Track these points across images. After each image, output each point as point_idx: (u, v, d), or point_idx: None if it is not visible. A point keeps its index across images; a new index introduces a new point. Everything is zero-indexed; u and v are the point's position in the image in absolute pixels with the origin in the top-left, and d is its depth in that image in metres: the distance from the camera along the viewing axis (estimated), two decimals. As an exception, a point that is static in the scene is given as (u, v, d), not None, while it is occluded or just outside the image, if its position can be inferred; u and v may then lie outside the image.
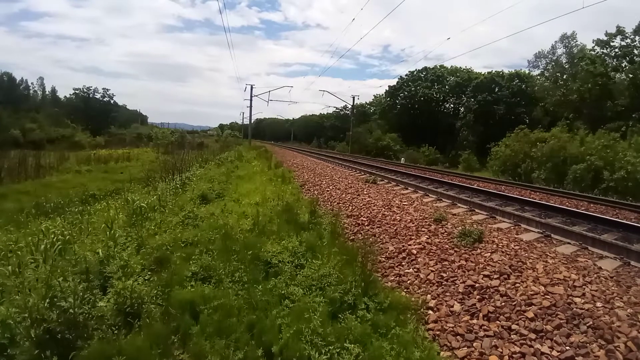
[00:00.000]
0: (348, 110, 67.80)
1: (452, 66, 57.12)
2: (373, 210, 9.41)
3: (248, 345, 3.89)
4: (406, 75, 59.11)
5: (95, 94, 75.89)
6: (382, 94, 67.29)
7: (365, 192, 11.49)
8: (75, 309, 3.88)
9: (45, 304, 3.85)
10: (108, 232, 6.86)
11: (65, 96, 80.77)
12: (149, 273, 5.39)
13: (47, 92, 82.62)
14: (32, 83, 78.92)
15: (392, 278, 6.11)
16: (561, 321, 4.09)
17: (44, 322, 3.70)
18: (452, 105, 55.93)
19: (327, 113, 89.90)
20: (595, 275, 4.94)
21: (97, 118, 70.27)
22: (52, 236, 6.49)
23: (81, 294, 4.12)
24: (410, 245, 6.96)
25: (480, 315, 4.59)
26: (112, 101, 79.16)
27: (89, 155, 32.33)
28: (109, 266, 5.28)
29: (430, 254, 6.42)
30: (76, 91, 75.37)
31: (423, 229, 7.50)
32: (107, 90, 77.58)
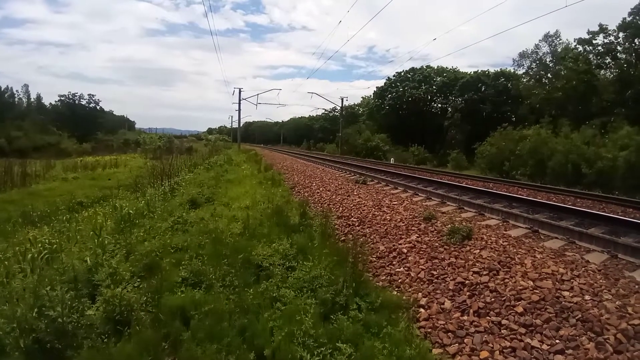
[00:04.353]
0: (337, 112, 67.99)
1: (438, 66, 57.41)
2: (363, 210, 9.43)
3: (240, 349, 3.87)
4: (393, 76, 59.33)
5: (81, 100, 75.27)
6: (371, 95, 67.56)
7: (355, 193, 11.51)
8: (63, 318, 3.83)
9: (34, 314, 3.80)
10: (96, 240, 6.79)
11: (50, 103, 79.94)
12: (139, 280, 5.34)
13: (32, 100, 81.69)
14: (17, 91, 78.00)
15: (384, 277, 6.13)
16: (550, 315, 4.14)
17: (32, 332, 3.65)
18: (439, 105, 56.18)
19: (316, 115, 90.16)
20: (583, 269, 5.00)
21: (83, 125, 69.48)
22: (39, 245, 6.41)
23: (69, 302, 4.07)
24: (400, 244, 6.99)
25: (471, 311, 4.62)
26: (98, 107, 78.55)
27: (76, 163, 31.88)
28: (98, 274, 5.22)
29: (421, 252, 6.46)
30: (61, 98, 74.68)
31: (413, 228, 7.54)
32: (93, 96, 76.96)
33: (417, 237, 7.07)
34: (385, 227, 7.97)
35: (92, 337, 3.93)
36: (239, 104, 58.33)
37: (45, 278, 4.78)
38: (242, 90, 58.26)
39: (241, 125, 69.03)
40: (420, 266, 6.02)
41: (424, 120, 53.20)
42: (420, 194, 11.03)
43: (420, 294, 5.34)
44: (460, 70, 55.79)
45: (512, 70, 46.42)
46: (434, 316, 4.77)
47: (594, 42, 32.53)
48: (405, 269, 6.15)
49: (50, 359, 3.56)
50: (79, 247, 6.90)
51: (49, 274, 5.10)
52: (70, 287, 4.63)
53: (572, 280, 4.66)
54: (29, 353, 3.54)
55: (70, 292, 4.32)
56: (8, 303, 4.22)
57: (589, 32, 32.55)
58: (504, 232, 6.83)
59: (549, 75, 38.38)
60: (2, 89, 70.26)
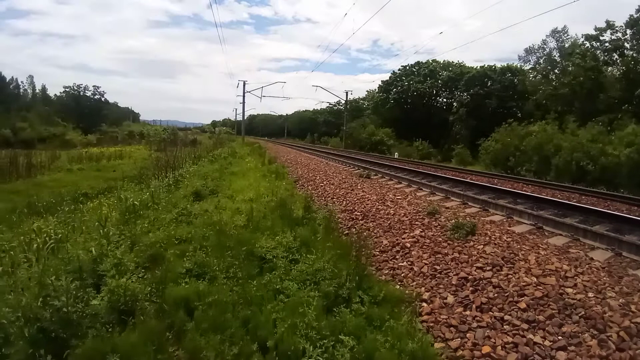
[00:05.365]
0: (341, 106, 67.78)
1: (444, 60, 57.01)
2: (367, 204, 9.43)
3: (243, 340, 3.90)
4: (399, 69, 59.02)
5: (86, 91, 75.07)
6: (375, 89, 67.23)
7: (359, 187, 11.51)
8: (68, 308, 3.86)
9: (39, 303, 3.83)
10: (101, 231, 6.82)
11: (55, 94, 80.00)
12: (143, 270, 5.38)
13: (37, 91, 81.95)
14: (22, 82, 78.18)
15: (386, 271, 6.14)
16: (553, 311, 4.14)
17: (37, 321, 3.68)
18: (444, 100, 55.90)
19: (321, 108, 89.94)
20: (587, 266, 4.99)
21: (88, 116, 69.49)
22: (45, 235, 6.44)
23: (74, 292, 4.09)
24: (404, 238, 6.99)
25: (474, 306, 4.63)
26: (103, 99, 78.33)
27: (81, 154, 32.01)
28: (102, 264, 5.25)
29: (424, 247, 6.46)
30: (66, 89, 74.55)
31: (417, 223, 7.53)
32: (98, 87, 76.69)
33: (421, 231, 7.07)
34: (389, 222, 7.97)
35: (97, 326, 3.96)
36: (243, 96, 58.33)
37: (51, 268, 4.81)
38: (246, 83, 58.17)
39: (245, 118, 69.05)
40: (423, 261, 6.03)
41: (429, 115, 52.94)
42: (424, 189, 11.00)
43: (423, 288, 5.35)
44: (466, 64, 55.46)
45: (519, 66, 46.13)
46: (436, 311, 4.77)
47: (601, 38, 32.22)
48: (409, 263, 6.15)
49: (55, 348, 3.59)
50: (84, 237, 6.92)
51: (54, 263, 5.13)
52: (75, 277, 4.66)
53: (575, 277, 4.65)
54: (34, 342, 3.56)
55: (75, 282, 4.35)
56: (13, 292, 4.25)
57: (596, 29, 32.25)
58: (508, 228, 6.81)
59: (556, 71, 38.06)
60: (7, 80, 70.41)
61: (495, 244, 5.92)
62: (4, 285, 4.61)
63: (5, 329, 3.66)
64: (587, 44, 33.35)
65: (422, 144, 42.50)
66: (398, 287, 5.51)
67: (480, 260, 5.49)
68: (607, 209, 8.62)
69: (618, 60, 31.74)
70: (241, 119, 67.69)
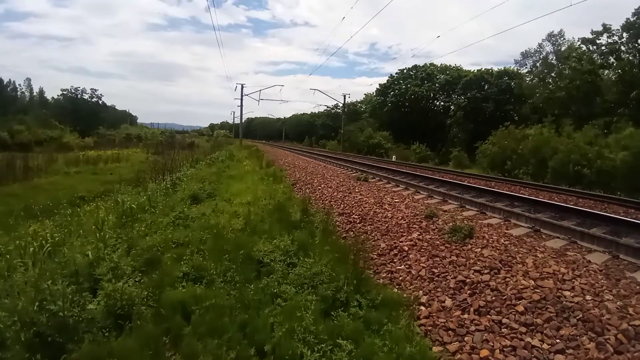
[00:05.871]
0: (339, 109, 67.84)
1: (442, 64, 57.28)
2: (365, 208, 9.43)
3: (240, 344, 3.88)
4: (396, 73, 59.25)
5: (84, 94, 74.92)
6: (373, 92, 67.39)
7: (356, 190, 11.50)
8: (64, 312, 3.84)
9: (35, 308, 3.81)
10: (98, 234, 6.79)
11: (52, 97, 79.99)
12: (140, 274, 5.34)
13: (34, 94, 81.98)
14: (19, 84, 78.14)
15: (384, 275, 6.13)
16: (551, 314, 4.14)
17: (33, 326, 3.66)
18: (442, 103, 56.09)
19: (319, 112, 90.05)
20: (584, 268, 5.00)
21: (85, 119, 69.32)
22: (41, 239, 6.41)
23: (70, 296, 4.08)
24: (401, 242, 6.99)
25: (472, 310, 4.62)
26: (100, 102, 78.23)
27: (78, 157, 31.98)
28: (99, 268, 5.22)
29: (422, 250, 6.46)
30: (64, 92, 74.44)
31: (414, 226, 7.53)
32: (95, 90, 76.63)
33: (419, 235, 7.07)
34: (387, 225, 7.97)
35: (93, 331, 3.94)
36: (241, 99, 58.18)
37: (47, 272, 4.78)
38: (244, 86, 58.07)
39: (243, 121, 68.97)
40: (421, 264, 6.02)
41: (426, 118, 53.15)
42: (421, 192, 11.01)
43: (421, 291, 5.34)
44: (464, 68, 55.67)
45: (516, 69, 46.36)
46: (434, 314, 4.76)
47: (597, 42, 32.42)
48: (406, 266, 6.14)
49: (51, 353, 3.57)
50: (80, 241, 6.89)
51: (50, 267, 5.09)
52: (71, 281, 4.64)
53: (573, 280, 4.66)
54: (30, 347, 3.54)
55: (72, 286, 4.33)
56: (9, 296, 4.23)
57: (592, 32, 32.44)
58: (506, 231, 6.82)
59: (552, 74, 38.26)
60: (5, 83, 70.39)
61: (492, 247, 5.92)
62: (0, 289, 4.59)
63: (1, 333, 3.64)
64: (584, 47, 33.57)
65: (419, 147, 42.54)
66: (396, 290, 5.50)
67: (478, 263, 5.49)
68: (604, 212, 8.64)
69: (614, 64, 31.93)
70: (239, 122, 67.62)
